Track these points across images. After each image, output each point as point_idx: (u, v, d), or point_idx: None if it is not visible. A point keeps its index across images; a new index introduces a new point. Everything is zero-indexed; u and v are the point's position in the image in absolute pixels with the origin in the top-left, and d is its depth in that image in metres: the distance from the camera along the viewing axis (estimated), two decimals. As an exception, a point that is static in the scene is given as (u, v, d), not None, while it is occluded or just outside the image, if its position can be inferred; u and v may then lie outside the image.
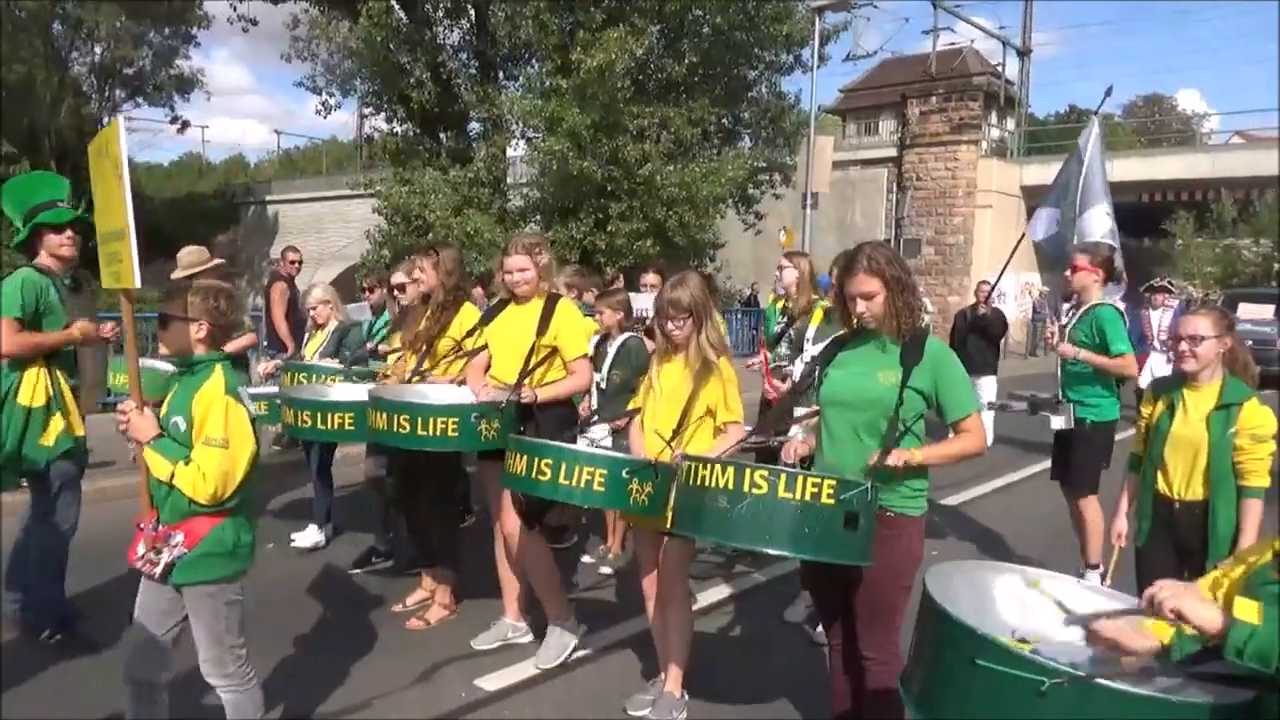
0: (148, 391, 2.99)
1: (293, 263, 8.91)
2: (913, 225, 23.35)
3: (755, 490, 2.63)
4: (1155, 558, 3.55)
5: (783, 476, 2.63)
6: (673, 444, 3.45)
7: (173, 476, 2.70)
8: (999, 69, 29.04)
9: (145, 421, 2.80)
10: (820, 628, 3.95)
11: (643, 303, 5.52)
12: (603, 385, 5.16)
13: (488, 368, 4.18)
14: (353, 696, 3.81)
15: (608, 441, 4.60)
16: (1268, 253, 27.82)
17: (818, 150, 16.42)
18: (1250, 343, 3.94)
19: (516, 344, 4.06)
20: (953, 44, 29.92)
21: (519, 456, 3.37)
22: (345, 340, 5.71)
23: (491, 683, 3.96)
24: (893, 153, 24.57)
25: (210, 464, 2.69)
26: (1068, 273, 5.19)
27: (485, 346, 4.23)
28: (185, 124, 35.74)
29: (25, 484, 4.20)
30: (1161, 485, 3.54)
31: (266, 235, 35.16)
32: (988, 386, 9.19)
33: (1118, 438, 5.12)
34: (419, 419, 3.79)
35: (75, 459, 4.20)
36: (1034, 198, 18.67)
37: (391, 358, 5.15)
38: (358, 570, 5.40)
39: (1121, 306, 5.07)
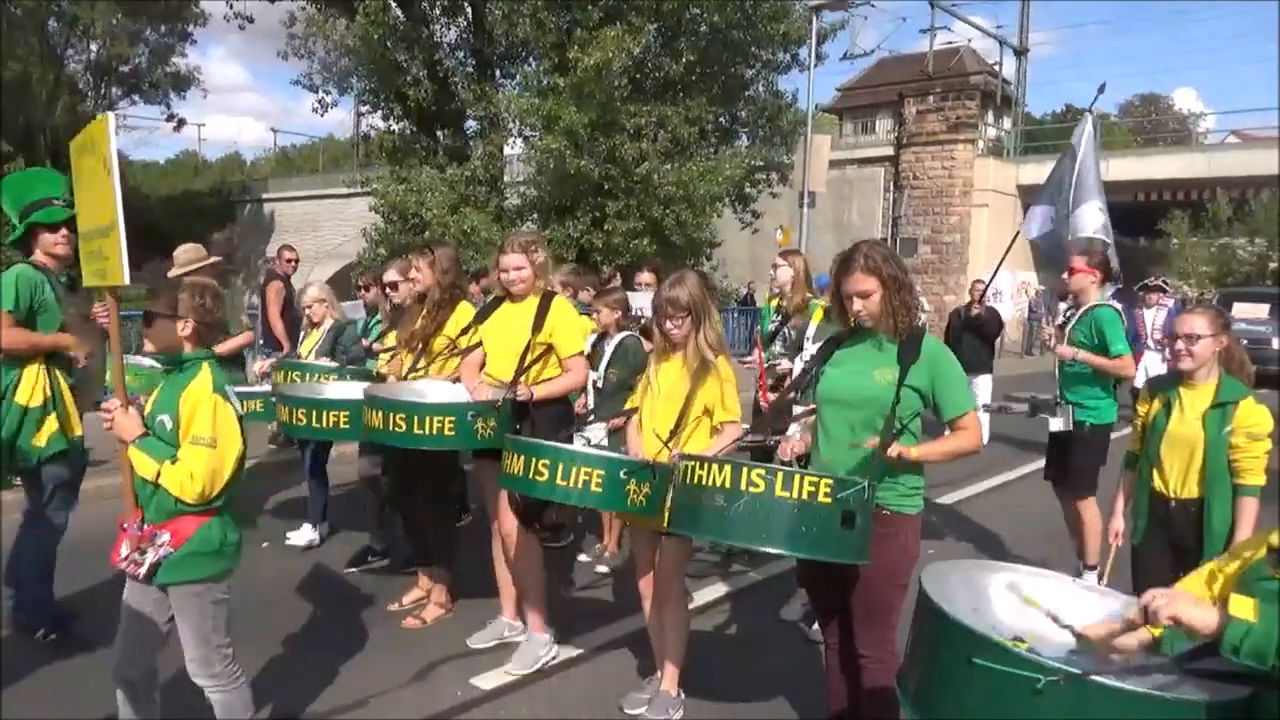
0: (142, 389, 2.98)
1: (289, 261, 8.87)
2: (909, 224, 23.38)
3: (752, 489, 2.63)
4: (1151, 556, 3.57)
5: (779, 475, 2.63)
6: (670, 443, 3.44)
7: (159, 475, 2.68)
8: (996, 68, 29.14)
9: (129, 420, 2.77)
10: (816, 626, 3.95)
11: (640, 301, 5.51)
12: (600, 384, 5.16)
13: (482, 365, 4.17)
14: (348, 695, 3.79)
15: (605, 441, 4.59)
16: (1262, 252, 27.90)
17: (814, 149, 16.40)
18: (1245, 342, 3.94)
19: (512, 342, 4.05)
20: (950, 43, 30.08)
21: (516, 456, 3.36)
22: (340, 338, 5.69)
23: (487, 681, 3.96)
24: (889, 152, 24.59)
25: (198, 463, 2.67)
26: (1065, 275, 5.18)
27: (480, 344, 4.22)
28: (181, 122, 35.82)
29: (19, 483, 4.19)
30: (1157, 483, 3.55)
31: (262, 233, 35.14)
32: (983, 386, 9.15)
33: (1114, 437, 5.12)
34: (415, 418, 3.78)
35: (70, 462, 4.17)
36: (1030, 197, 18.62)
37: (385, 356, 5.14)
38: (353, 569, 5.38)
39: (1119, 307, 5.07)
